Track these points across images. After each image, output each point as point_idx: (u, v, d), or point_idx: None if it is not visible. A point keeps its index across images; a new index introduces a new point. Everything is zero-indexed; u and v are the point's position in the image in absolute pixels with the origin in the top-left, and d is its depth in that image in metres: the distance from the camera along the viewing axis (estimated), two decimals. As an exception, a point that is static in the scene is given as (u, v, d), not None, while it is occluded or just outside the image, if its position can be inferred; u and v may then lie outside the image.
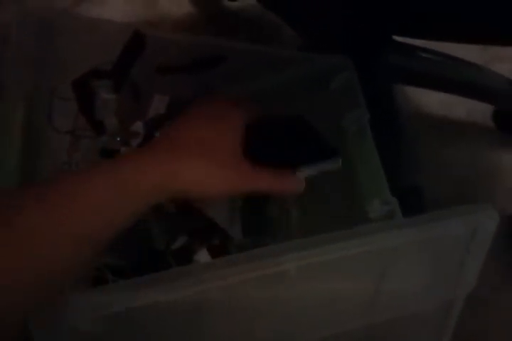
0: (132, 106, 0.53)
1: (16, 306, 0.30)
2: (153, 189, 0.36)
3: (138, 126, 0.51)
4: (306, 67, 0.56)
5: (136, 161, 0.37)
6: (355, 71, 0.55)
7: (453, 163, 0.83)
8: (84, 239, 0.33)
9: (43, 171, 0.47)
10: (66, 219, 0.33)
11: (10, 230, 0.30)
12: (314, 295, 0.40)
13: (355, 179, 0.52)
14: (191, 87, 0.53)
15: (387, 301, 0.42)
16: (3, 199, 0.33)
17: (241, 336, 0.40)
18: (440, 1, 0.52)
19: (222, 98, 0.46)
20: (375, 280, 0.40)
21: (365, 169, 0.51)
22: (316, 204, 0.60)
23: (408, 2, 0.54)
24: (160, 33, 0.54)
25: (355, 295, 0.41)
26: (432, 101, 0.87)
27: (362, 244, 0.38)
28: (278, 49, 0.59)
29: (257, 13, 0.87)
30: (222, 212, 0.51)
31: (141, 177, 0.36)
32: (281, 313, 0.40)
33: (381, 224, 0.46)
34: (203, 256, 0.49)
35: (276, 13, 0.72)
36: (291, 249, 0.37)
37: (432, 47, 0.75)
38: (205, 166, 0.38)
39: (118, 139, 0.52)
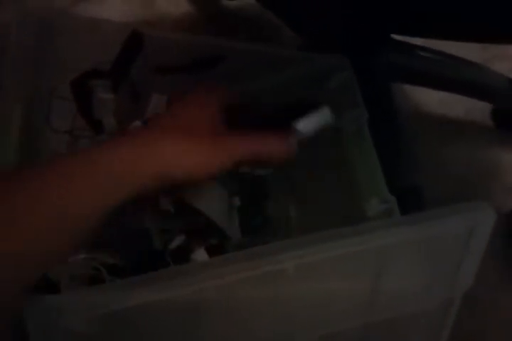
0: (130, 106, 0.53)
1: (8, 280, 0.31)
2: (132, 172, 0.36)
3: (136, 126, 0.51)
4: (306, 67, 0.56)
5: (115, 146, 0.37)
6: (353, 70, 0.55)
7: (452, 161, 0.83)
8: (79, 219, 0.34)
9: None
10: (62, 199, 0.33)
11: (5, 208, 0.31)
12: (312, 293, 0.40)
13: (353, 178, 0.52)
14: (190, 87, 0.53)
15: (385, 300, 0.42)
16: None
17: (239, 335, 0.40)
18: (440, 0, 0.52)
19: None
20: (372, 279, 0.40)
21: (364, 168, 0.51)
22: (314, 203, 0.60)
23: (408, 1, 0.54)
24: (158, 32, 0.53)
25: (353, 294, 0.41)
26: (431, 100, 0.87)
27: (359, 242, 0.38)
28: (277, 49, 0.59)
29: (257, 13, 0.87)
30: (221, 212, 0.51)
31: (118, 161, 0.36)
32: (279, 312, 0.40)
33: (379, 222, 0.46)
34: (200, 255, 0.49)
35: (275, 12, 0.72)
36: (288, 248, 0.37)
37: (430, 45, 0.75)
38: (181, 144, 0.38)
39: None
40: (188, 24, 0.86)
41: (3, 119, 0.45)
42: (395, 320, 0.44)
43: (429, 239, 0.41)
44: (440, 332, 0.45)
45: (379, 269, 0.40)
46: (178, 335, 0.38)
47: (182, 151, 0.38)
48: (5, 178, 0.34)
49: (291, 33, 0.76)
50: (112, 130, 0.52)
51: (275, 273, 0.37)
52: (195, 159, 0.39)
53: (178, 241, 0.50)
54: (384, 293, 0.41)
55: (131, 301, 0.33)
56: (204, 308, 0.37)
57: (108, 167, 0.35)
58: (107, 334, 0.35)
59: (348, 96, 0.54)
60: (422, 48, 0.75)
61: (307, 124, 0.43)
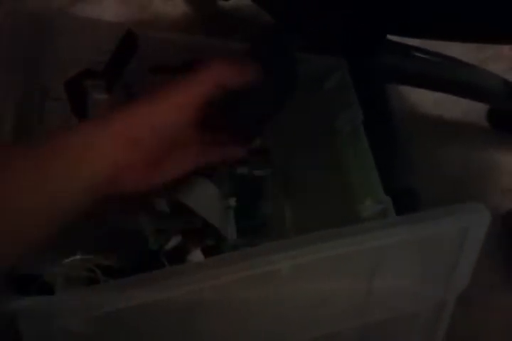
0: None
1: None
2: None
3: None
4: (303, 68, 0.56)
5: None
6: (349, 71, 0.55)
7: (447, 162, 0.84)
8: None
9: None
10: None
11: None
12: (307, 294, 0.40)
13: (348, 178, 0.52)
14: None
15: (379, 301, 0.42)
16: None
17: (234, 335, 0.40)
18: (440, 1, 0.52)
19: None
20: (367, 280, 0.40)
21: (359, 169, 0.51)
22: (310, 203, 0.60)
23: (408, 1, 0.54)
24: (154, 32, 0.53)
25: (347, 295, 0.41)
26: (427, 100, 0.87)
27: (354, 242, 0.38)
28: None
29: (253, 13, 0.87)
30: (216, 213, 0.50)
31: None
32: (275, 313, 0.40)
33: (374, 222, 0.46)
34: (196, 256, 0.49)
35: (270, 12, 0.72)
36: (284, 248, 0.37)
37: (426, 46, 0.75)
38: (122, 156, 0.36)
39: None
40: (184, 24, 0.86)
41: (-3, 119, 0.45)
42: (389, 321, 0.44)
43: (424, 240, 0.41)
44: (435, 333, 0.45)
45: (373, 270, 0.40)
46: (174, 335, 0.38)
47: (123, 164, 0.36)
48: None
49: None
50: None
51: (270, 273, 0.37)
52: (133, 176, 0.37)
53: (174, 241, 0.50)
54: (378, 294, 0.41)
55: (127, 302, 0.33)
56: (199, 308, 0.37)
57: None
58: (102, 335, 0.34)
59: (343, 97, 0.55)
60: (418, 49, 0.75)
61: None
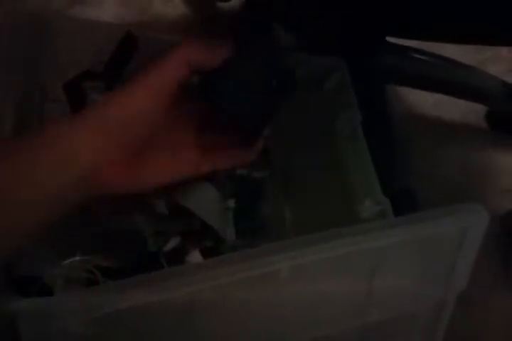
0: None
1: None
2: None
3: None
4: (302, 68, 0.56)
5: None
6: (348, 72, 0.55)
7: (446, 163, 0.84)
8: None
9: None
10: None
11: None
12: (306, 295, 0.40)
13: (347, 179, 0.52)
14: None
15: (379, 301, 0.42)
16: None
17: (233, 336, 0.40)
18: (440, 1, 0.52)
19: None
20: (367, 280, 0.40)
21: (358, 169, 0.51)
22: (309, 204, 0.60)
23: (408, 1, 0.54)
24: (153, 34, 0.53)
25: (347, 295, 0.41)
26: (426, 102, 0.87)
27: (353, 243, 0.38)
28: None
29: (251, 14, 0.87)
30: (216, 215, 0.50)
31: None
32: (274, 313, 0.40)
33: (373, 223, 0.46)
34: (195, 257, 0.49)
35: (270, 13, 0.72)
36: (283, 249, 0.37)
37: (425, 48, 0.75)
38: (102, 154, 0.36)
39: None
40: (184, 26, 0.86)
41: (-3, 121, 0.45)
42: (389, 321, 0.44)
43: (424, 240, 0.41)
44: (435, 333, 0.45)
45: (373, 270, 0.40)
46: (173, 336, 0.38)
47: (102, 158, 0.35)
48: None
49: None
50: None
51: (270, 274, 0.37)
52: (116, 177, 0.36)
53: (172, 243, 0.50)
54: (378, 294, 0.41)
55: (126, 303, 0.33)
56: (199, 309, 0.37)
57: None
58: (102, 336, 0.34)
59: (342, 98, 0.55)
60: (416, 50, 0.75)
61: None
